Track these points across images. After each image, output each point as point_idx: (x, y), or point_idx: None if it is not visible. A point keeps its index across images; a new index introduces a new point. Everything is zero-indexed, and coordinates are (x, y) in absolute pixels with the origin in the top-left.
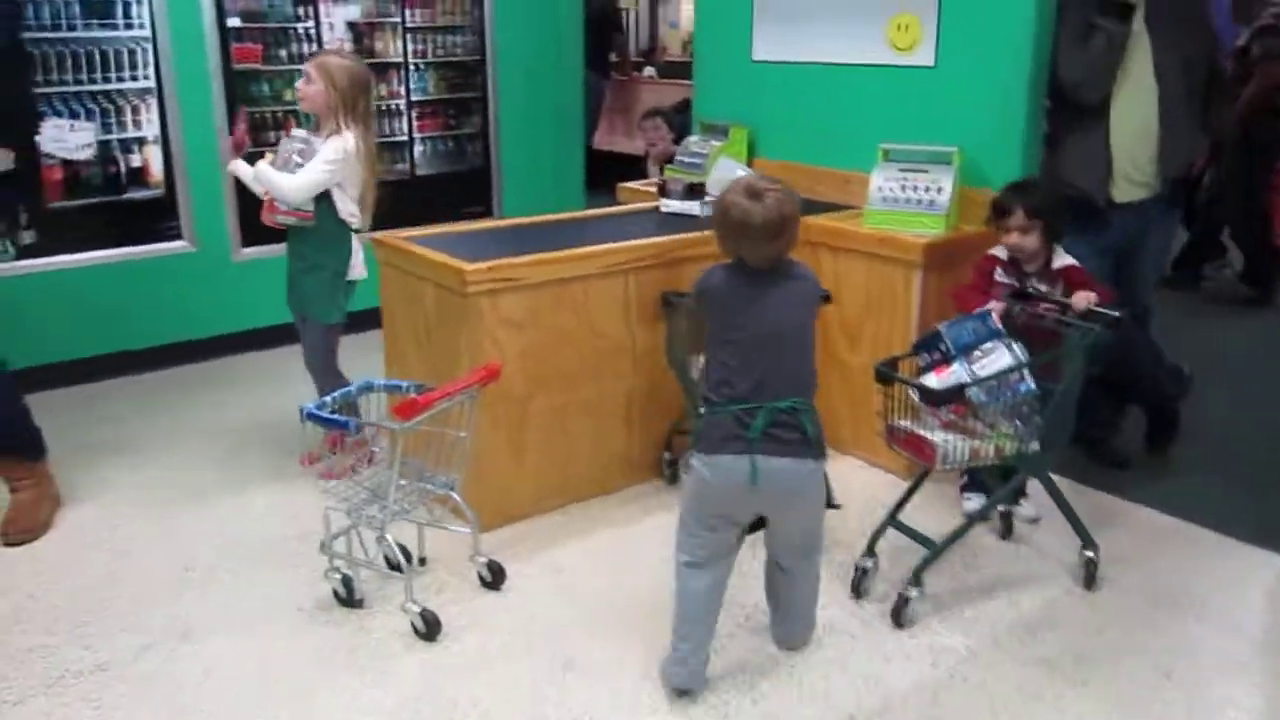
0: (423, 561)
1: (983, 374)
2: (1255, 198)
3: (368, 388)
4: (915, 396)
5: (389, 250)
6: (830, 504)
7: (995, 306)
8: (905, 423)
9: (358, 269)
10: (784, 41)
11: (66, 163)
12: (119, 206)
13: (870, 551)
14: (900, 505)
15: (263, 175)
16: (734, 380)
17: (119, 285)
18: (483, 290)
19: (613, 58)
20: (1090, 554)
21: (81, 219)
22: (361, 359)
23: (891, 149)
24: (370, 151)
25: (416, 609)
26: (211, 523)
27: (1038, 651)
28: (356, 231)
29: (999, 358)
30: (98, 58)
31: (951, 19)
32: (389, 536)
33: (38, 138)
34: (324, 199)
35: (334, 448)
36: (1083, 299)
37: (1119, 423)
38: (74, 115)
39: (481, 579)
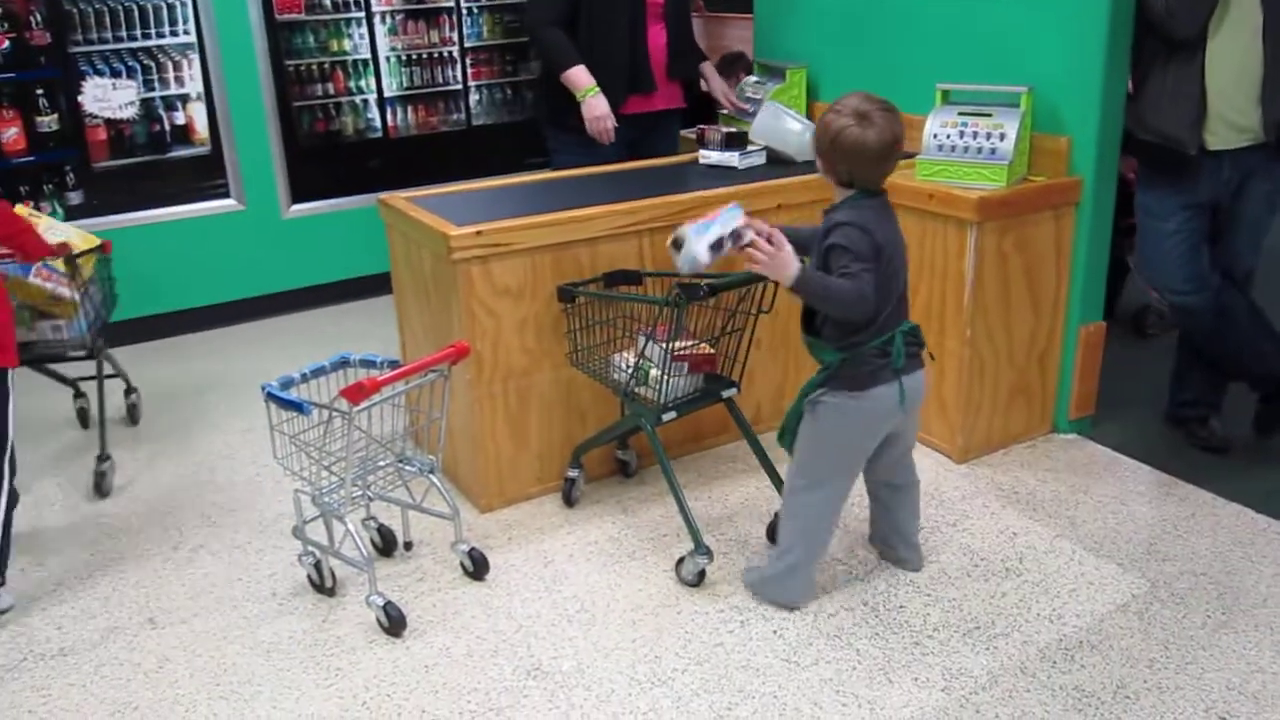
0: (408, 546)
1: None
2: None
3: (343, 362)
4: None
5: (391, 212)
6: None
7: None
8: None
9: None
10: None
11: (109, 122)
12: (165, 165)
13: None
14: None
15: None
16: (879, 315)
17: (166, 245)
18: (470, 257)
19: None
20: None
21: (127, 179)
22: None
23: (951, 89)
24: None
25: (380, 603)
26: (217, 495)
27: (1072, 679)
28: None
29: None
30: (136, 14)
31: None
32: (350, 525)
33: (80, 97)
34: None
35: None
36: None
37: (1218, 402)
38: (115, 73)
39: (464, 569)
